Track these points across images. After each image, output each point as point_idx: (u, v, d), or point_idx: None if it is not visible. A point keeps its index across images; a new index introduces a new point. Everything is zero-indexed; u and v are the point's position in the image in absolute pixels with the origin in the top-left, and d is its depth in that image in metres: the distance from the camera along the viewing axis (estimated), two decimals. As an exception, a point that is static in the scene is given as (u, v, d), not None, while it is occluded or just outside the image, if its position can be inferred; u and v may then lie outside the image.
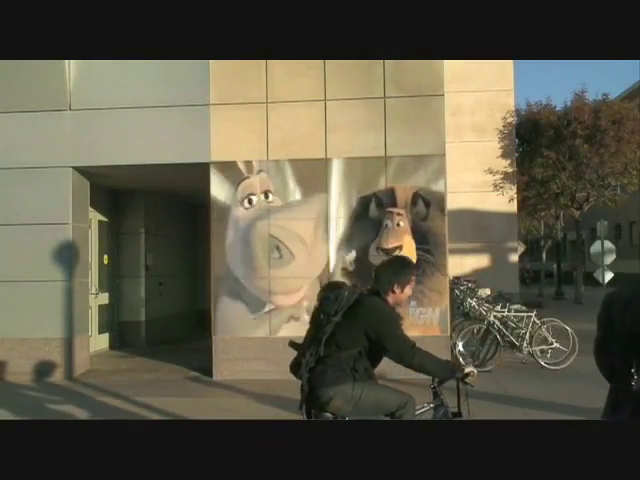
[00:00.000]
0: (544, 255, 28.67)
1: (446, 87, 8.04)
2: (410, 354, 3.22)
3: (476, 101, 16.38)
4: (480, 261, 16.39)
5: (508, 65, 16.38)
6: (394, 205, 7.77)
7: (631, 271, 27.92)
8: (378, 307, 3.25)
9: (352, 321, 3.20)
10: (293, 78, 7.91)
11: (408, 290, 3.40)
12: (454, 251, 12.43)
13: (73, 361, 8.19)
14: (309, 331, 3.39)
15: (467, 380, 3.28)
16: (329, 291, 3.33)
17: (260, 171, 7.92)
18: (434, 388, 3.46)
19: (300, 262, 7.83)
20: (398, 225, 7.73)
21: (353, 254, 7.81)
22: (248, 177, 7.95)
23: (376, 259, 7.60)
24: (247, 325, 7.90)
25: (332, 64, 7.82)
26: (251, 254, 7.90)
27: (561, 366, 8.32)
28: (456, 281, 10.89)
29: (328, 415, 3.23)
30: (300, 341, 3.44)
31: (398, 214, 7.74)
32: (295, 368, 3.33)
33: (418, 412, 3.39)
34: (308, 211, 7.85)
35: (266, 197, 7.90)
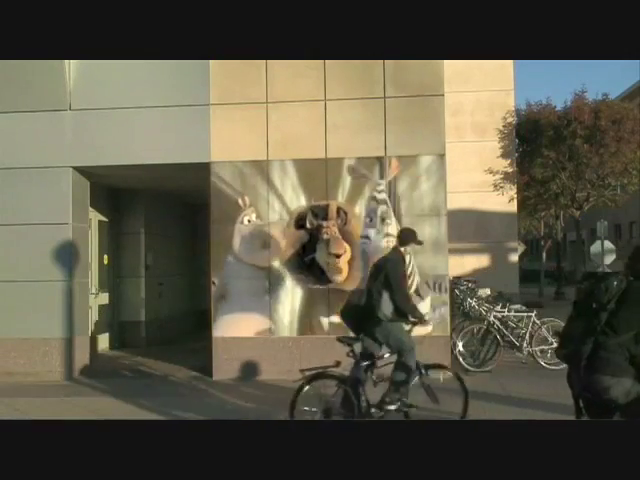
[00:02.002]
0: (544, 255, 28.65)
1: (446, 87, 8.02)
2: None
3: (476, 101, 16.39)
4: (480, 261, 16.40)
5: (508, 65, 16.39)
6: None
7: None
8: None
9: (628, 306, 3.35)
10: (293, 78, 7.90)
11: None
12: (454, 251, 12.42)
13: (73, 361, 8.18)
14: (575, 321, 3.54)
15: None
16: (596, 282, 3.49)
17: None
18: None
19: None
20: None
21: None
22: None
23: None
24: (247, 325, 7.89)
25: (332, 64, 7.81)
26: (249, 255, 7.91)
27: (561, 366, 8.29)
28: (456, 281, 10.86)
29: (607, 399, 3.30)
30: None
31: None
32: (571, 357, 3.48)
33: None
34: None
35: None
